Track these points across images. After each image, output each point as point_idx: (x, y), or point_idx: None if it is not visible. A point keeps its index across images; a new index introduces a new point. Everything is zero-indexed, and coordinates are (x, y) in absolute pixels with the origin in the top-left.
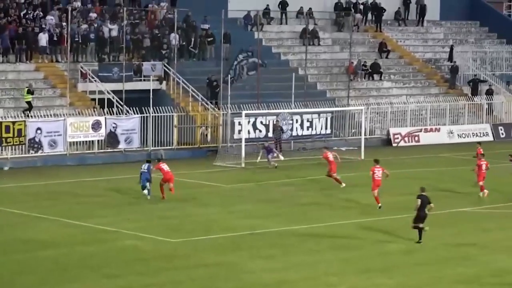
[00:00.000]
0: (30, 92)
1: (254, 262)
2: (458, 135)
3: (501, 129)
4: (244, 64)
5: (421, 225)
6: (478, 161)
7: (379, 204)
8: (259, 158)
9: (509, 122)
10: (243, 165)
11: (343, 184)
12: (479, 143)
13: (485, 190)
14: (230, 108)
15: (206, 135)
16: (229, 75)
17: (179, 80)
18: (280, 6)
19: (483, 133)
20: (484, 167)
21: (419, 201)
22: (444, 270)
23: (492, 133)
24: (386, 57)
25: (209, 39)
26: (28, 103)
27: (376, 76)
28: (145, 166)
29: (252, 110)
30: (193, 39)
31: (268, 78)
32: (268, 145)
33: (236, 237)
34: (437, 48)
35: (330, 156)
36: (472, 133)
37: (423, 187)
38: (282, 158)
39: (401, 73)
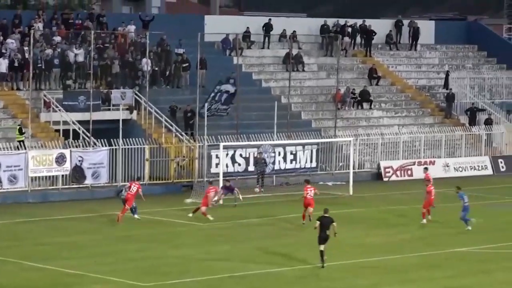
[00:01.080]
0: (21, 131)
1: None
2: (454, 168)
3: (501, 162)
4: (219, 97)
5: (321, 248)
6: (427, 188)
7: (303, 221)
8: (215, 198)
9: (510, 155)
10: (221, 202)
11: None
12: (426, 168)
13: (429, 217)
14: (206, 140)
15: (182, 166)
16: (206, 106)
17: (151, 109)
18: (264, 28)
19: (481, 166)
20: (433, 192)
21: (317, 223)
22: None
23: (492, 166)
24: (377, 84)
25: (184, 65)
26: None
27: (365, 105)
28: (124, 192)
29: (231, 141)
30: (166, 64)
31: (248, 107)
32: (230, 184)
33: (215, 280)
34: (432, 74)
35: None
36: (470, 166)
37: (327, 209)
38: (241, 198)
39: (393, 101)
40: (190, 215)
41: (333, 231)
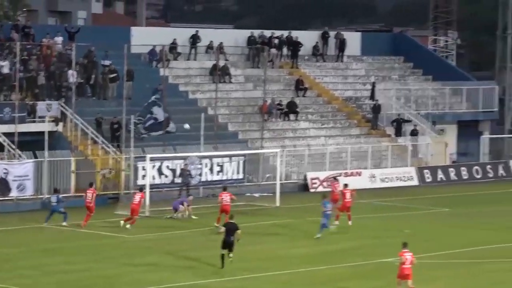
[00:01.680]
0: None
1: None
2: (380, 179)
3: (426, 173)
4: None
5: (223, 252)
6: (343, 190)
7: (216, 224)
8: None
9: (435, 165)
10: (147, 213)
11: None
12: (334, 177)
13: (336, 222)
14: (133, 152)
15: (108, 178)
16: (135, 120)
17: (77, 121)
18: (191, 40)
19: (407, 177)
20: (348, 195)
21: (223, 228)
22: None
23: (418, 177)
24: (303, 96)
25: (111, 76)
26: None
27: (292, 116)
28: (53, 199)
29: (158, 153)
30: (93, 76)
31: (175, 119)
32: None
33: None
34: (358, 86)
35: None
36: (396, 177)
37: (232, 215)
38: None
39: (320, 112)
40: (123, 223)
41: (236, 237)
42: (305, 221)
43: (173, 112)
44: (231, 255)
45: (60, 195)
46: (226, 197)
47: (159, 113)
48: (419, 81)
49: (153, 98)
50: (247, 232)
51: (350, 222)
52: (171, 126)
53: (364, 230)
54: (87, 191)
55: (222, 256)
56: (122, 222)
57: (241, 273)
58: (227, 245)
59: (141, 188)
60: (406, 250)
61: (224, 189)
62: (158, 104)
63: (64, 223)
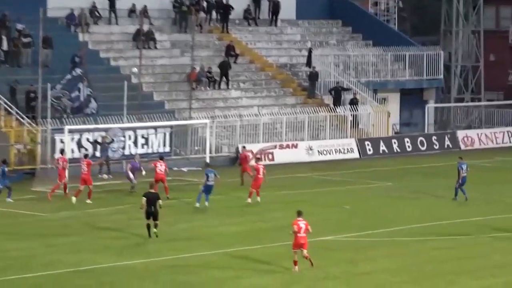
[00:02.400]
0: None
1: None
2: (318, 151)
3: (368, 144)
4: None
5: (148, 222)
6: (256, 165)
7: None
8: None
9: (377, 137)
10: (67, 190)
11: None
12: (244, 146)
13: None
14: (50, 123)
15: (23, 153)
16: (55, 89)
17: None
18: (110, 3)
19: (347, 149)
20: (261, 171)
21: (144, 199)
22: None
23: (358, 149)
24: (234, 62)
25: (25, 41)
26: None
27: (223, 85)
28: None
29: (77, 125)
30: (5, 42)
31: (96, 88)
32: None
33: (60, 275)
34: (293, 52)
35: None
36: (335, 149)
37: (152, 183)
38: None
39: (252, 80)
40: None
41: (158, 207)
42: (236, 197)
43: (94, 81)
44: (155, 230)
45: (6, 167)
46: (161, 167)
47: (87, 91)
48: (358, 47)
49: (79, 71)
50: (174, 210)
51: (258, 198)
52: (92, 105)
53: (300, 207)
54: (157, 163)
55: (148, 226)
56: (73, 198)
57: (168, 253)
58: (150, 215)
59: (86, 155)
60: (300, 219)
61: (161, 158)
62: (85, 78)
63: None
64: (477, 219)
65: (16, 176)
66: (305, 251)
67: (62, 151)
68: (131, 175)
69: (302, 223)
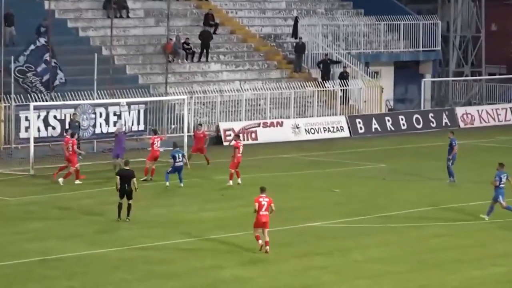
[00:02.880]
0: None
1: None
2: (306, 130)
3: (359, 122)
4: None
5: (121, 201)
6: (235, 144)
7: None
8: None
9: (369, 114)
10: (32, 172)
11: None
12: (237, 136)
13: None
14: (14, 99)
15: None
16: (18, 62)
17: None
18: None
19: (337, 127)
20: (241, 149)
21: (117, 177)
22: None
23: (348, 127)
24: (214, 33)
25: None
26: None
27: (202, 58)
28: None
29: (43, 101)
30: None
31: (63, 60)
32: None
33: (25, 264)
34: (278, 21)
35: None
36: (324, 127)
37: (127, 161)
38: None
39: (233, 52)
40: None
41: (133, 186)
42: (216, 180)
43: (61, 53)
44: (127, 217)
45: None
46: (158, 142)
47: (53, 62)
48: (349, 16)
49: (43, 41)
50: (149, 193)
51: (239, 180)
52: (59, 76)
53: (287, 190)
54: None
55: (119, 205)
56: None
57: (142, 240)
58: (124, 193)
59: (72, 134)
60: (263, 195)
61: (155, 132)
62: (50, 48)
63: None
64: (477, 203)
65: None
66: (266, 231)
67: (70, 133)
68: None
69: (264, 200)
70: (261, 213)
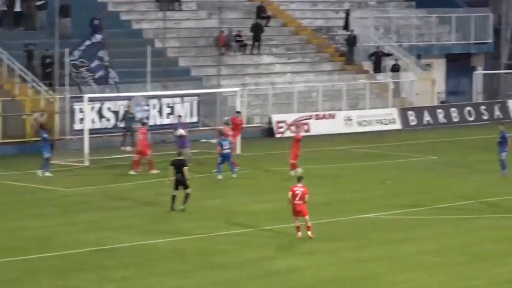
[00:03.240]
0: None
1: (103, 287)
2: (357, 122)
3: (411, 115)
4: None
5: (174, 193)
6: (295, 136)
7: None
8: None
9: (421, 106)
10: (87, 163)
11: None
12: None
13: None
14: (68, 92)
15: (40, 122)
16: (73, 56)
17: (3, 56)
18: None
19: (388, 120)
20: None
21: (171, 168)
22: None
23: (400, 119)
24: (266, 25)
25: (38, 3)
26: None
27: (254, 50)
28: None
29: (98, 93)
30: (18, 4)
31: (117, 53)
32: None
33: (80, 254)
34: (330, 14)
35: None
36: (376, 120)
37: (180, 151)
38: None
39: (285, 45)
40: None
41: (185, 175)
42: (270, 171)
43: (115, 46)
44: (182, 207)
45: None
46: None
47: (108, 59)
48: (400, 8)
49: (99, 38)
50: (203, 185)
51: (293, 172)
52: (112, 75)
53: (339, 182)
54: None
55: (173, 197)
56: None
57: (196, 231)
58: (178, 184)
59: (144, 123)
60: (299, 185)
61: (143, 124)
62: (106, 45)
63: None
64: None
65: (31, 147)
66: (306, 218)
67: (142, 122)
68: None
69: (299, 190)
70: (295, 202)
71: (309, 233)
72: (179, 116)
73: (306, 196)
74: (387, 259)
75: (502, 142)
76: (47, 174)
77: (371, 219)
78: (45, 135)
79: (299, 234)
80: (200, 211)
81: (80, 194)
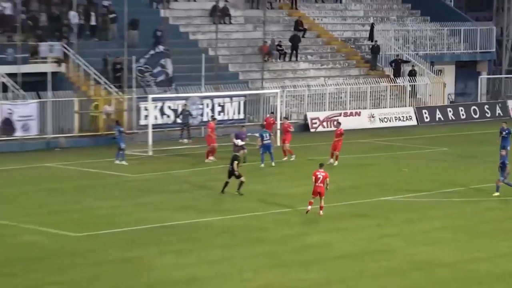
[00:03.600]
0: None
1: (163, 258)
2: (380, 119)
3: (425, 113)
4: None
5: (228, 180)
6: (339, 130)
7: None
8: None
9: (434, 105)
10: (150, 153)
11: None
12: (339, 123)
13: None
14: (135, 93)
15: (109, 114)
16: (139, 63)
17: (80, 62)
18: None
19: (406, 117)
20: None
21: (235, 162)
22: (366, 263)
23: (416, 117)
24: (303, 36)
25: (111, 17)
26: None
27: (292, 57)
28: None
29: (159, 94)
30: (94, 17)
31: (176, 60)
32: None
33: (144, 230)
34: (357, 27)
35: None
36: (395, 117)
37: (239, 148)
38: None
39: (319, 53)
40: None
41: (235, 166)
42: (305, 160)
43: (175, 53)
44: (238, 192)
45: (122, 128)
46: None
47: (169, 67)
48: (417, 22)
49: (162, 48)
50: (249, 172)
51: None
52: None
53: (362, 170)
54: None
55: (226, 183)
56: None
57: (242, 211)
58: (230, 173)
59: (213, 118)
60: (321, 170)
61: (286, 118)
62: (168, 55)
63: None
64: None
65: (103, 139)
66: (322, 201)
67: (212, 117)
68: (240, 143)
69: (320, 174)
70: (316, 184)
71: (320, 212)
72: (242, 126)
73: (327, 179)
74: (402, 235)
75: (506, 138)
76: (124, 162)
77: (390, 201)
78: (121, 129)
79: (309, 207)
80: (246, 194)
81: (144, 179)
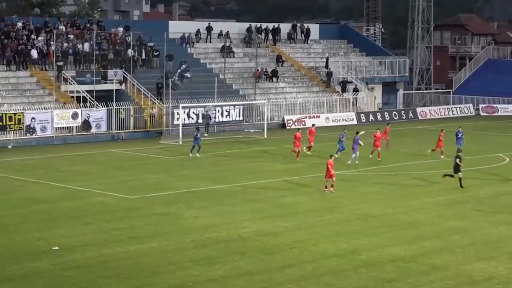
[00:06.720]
0: None
1: (189, 212)
2: (332, 120)
3: (362, 116)
4: (180, 76)
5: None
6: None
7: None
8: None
9: (368, 111)
10: (180, 143)
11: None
12: (313, 124)
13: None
14: (170, 103)
15: (153, 115)
16: (171, 80)
17: (134, 83)
18: (207, 29)
19: (349, 118)
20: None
21: (331, 158)
22: (324, 215)
23: (356, 118)
24: (281, 65)
25: (155, 53)
26: None
27: (274, 79)
28: (197, 134)
29: (187, 103)
30: (143, 53)
31: (197, 81)
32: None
33: (177, 194)
34: (317, 59)
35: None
36: (342, 118)
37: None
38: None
39: (292, 77)
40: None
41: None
42: (282, 147)
43: (196, 77)
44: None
45: (199, 133)
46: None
47: (187, 74)
48: (357, 56)
49: (184, 67)
50: (242, 156)
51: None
52: (187, 74)
53: (321, 152)
54: (310, 130)
55: (450, 175)
56: (307, 151)
57: (242, 181)
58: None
59: (313, 124)
60: (331, 160)
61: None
62: (188, 70)
63: (197, 154)
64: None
65: (150, 134)
66: (334, 180)
67: (312, 124)
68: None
69: (330, 162)
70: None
71: (332, 189)
72: (357, 132)
73: (331, 165)
74: (348, 197)
75: (460, 138)
76: (197, 155)
77: (339, 174)
78: (198, 134)
79: (327, 190)
80: (241, 171)
81: (177, 160)
